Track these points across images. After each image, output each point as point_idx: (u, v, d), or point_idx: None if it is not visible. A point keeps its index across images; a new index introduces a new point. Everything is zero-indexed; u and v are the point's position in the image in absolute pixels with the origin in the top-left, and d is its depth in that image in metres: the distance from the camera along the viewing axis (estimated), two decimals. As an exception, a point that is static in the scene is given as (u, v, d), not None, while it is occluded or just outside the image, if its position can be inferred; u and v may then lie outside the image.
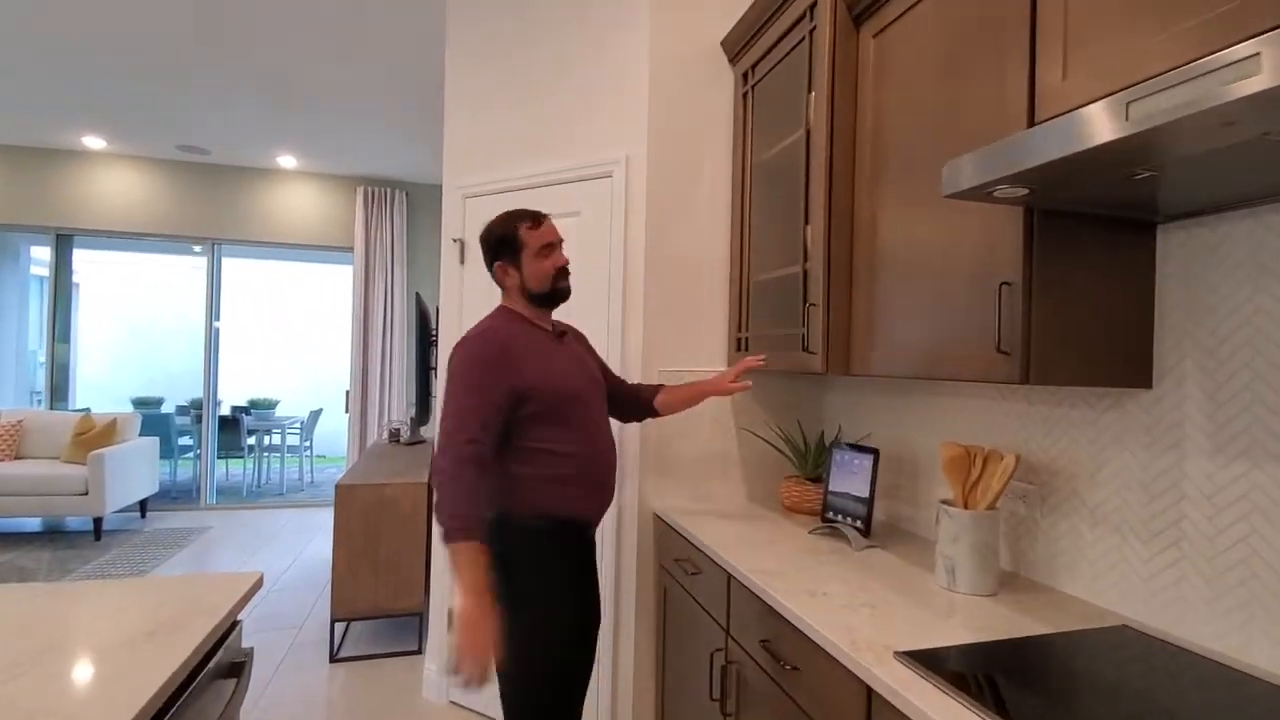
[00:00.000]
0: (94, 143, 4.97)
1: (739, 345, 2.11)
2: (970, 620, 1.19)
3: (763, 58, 1.97)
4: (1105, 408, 1.28)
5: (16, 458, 4.71)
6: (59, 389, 5.59)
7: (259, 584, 1.32)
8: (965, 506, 1.37)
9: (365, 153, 5.07)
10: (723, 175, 2.19)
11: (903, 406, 1.88)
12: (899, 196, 1.45)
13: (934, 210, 1.33)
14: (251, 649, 1.20)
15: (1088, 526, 1.31)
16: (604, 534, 2.14)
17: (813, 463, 2.03)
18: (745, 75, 2.09)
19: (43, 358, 8.13)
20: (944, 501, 1.39)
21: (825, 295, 1.61)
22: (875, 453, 1.69)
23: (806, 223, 1.70)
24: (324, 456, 8.39)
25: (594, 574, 1.57)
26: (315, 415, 7.22)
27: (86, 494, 4.37)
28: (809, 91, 1.69)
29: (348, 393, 5.60)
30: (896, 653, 1.04)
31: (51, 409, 5.45)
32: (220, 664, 1.13)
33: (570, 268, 1.61)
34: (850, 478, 1.75)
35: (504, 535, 1.43)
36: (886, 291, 1.48)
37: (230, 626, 1.20)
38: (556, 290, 1.58)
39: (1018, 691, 0.92)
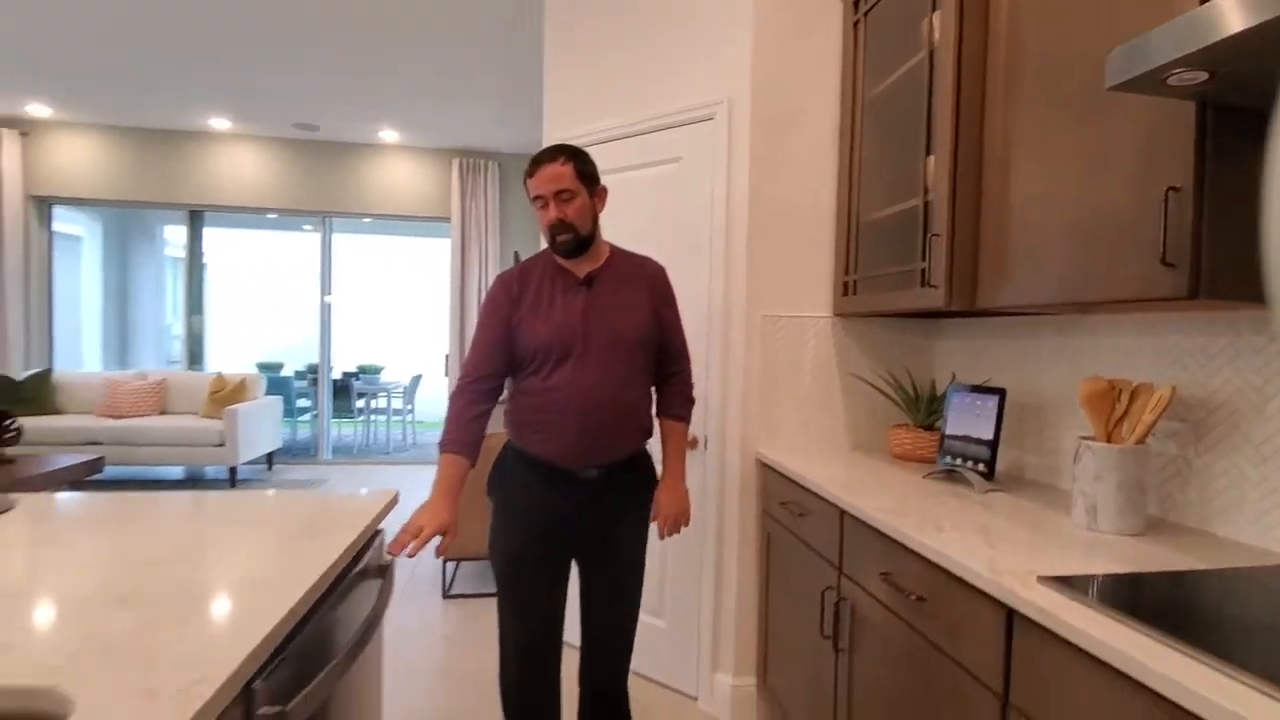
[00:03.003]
0: (220, 123, 5.37)
1: (846, 289, 2.04)
2: (1116, 555, 1.11)
3: (877, -18, 1.87)
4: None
5: (162, 413, 5.25)
6: (195, 356, 6.15)
7: (394, 500, 1.42)
8: (1108, 443, 1.28)
9: (459, 126, 5.22)
10: (829, 114, 2.10)
11: (1028, 350, 1.76)
12: (1038, 108, 1.34)
13: (1081, 117, 1.23)
14: (393, 558, 1.29)
15: (1252, 465, 1.19)
16: (704, 483, 2.15)
17: (925, 410, 1.95)
18: (856, 2, 1.99)
19: (175, 330, 8.99)
20: (1085, 437, 1.30)
21: (949, 224, 1.53)
22: (1001, 392, 1.60)
23: (928, 153, 1.61)
24: (424, 422, 8.86)
25: (560, 512, 1.52)
26: (416, 380, 7.62)
27: (222, 445, 4.82)
28: (932, 9, 1.59)
29: (447, 356, 5.86)
30: (1040, 577, 0.99)
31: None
32: (369, 565, 1.23)
33: (569, 220, 1.46)
34: (971, 420, 1.67)
35: (501, 451, 1.61)
36: (1022, 215, 1.39)
37: (374, 534, 1.30)
38: (554, 243, 1.50)
39: (1179, 620, 0.86)
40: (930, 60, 1.60)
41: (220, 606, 0.81)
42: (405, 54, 3.92)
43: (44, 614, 0.77)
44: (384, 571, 1.24)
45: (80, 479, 3.54)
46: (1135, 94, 1.04)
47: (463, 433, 1.48)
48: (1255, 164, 1.02)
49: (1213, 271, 1.01)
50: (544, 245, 1.60)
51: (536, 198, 1.50)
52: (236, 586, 0.88)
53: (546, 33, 2.61)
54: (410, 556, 1.32)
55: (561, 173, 1.47)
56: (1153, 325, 1.41)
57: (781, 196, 2.08)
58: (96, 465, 3.68)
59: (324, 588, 0.98)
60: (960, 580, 1.10)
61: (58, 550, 1.01)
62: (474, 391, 1.51)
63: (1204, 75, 0.90)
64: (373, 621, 1.06)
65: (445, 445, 1.47)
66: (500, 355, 1.52)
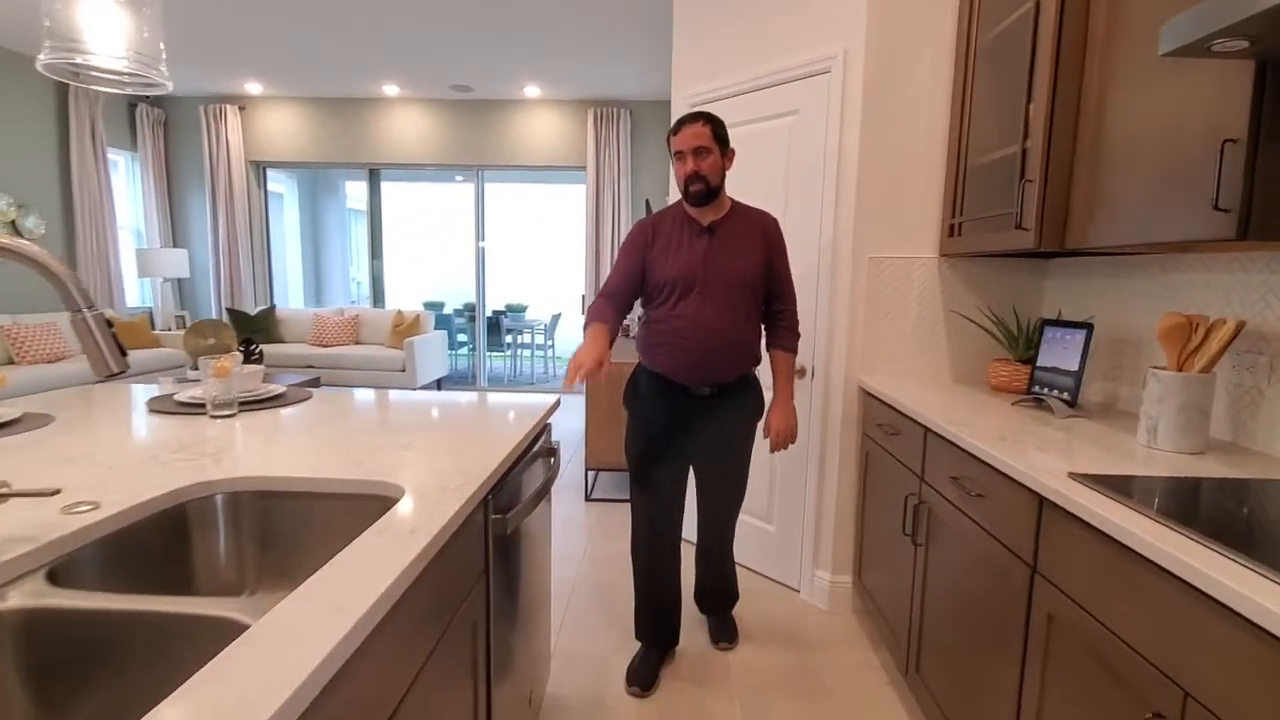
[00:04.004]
0: (390, 89, 6.09)
1: (952, 231, 2.18)
2: (1159, 464, 1.29)
3: (994, -71, 1.92)
4: (1356, 270, 1.23)
5: (356, 343, 6.26)
6: (377, 295, 7.15)
7: (557, 404, 1.85)
8: (1179, 372, 1.41)
9: (595, 77, 5.54)
10: (944, 61, 2.19)
11: (1127, 288, 1.84)
12: (1131, 64, 1.43)
13: (1165, 74, 1.32)
14: (558, 441, 1.73)
15: (1320, 392, 1.29)
16: (810, 408, 2.43)
17: (1024, 344, 2.08)
18: (974, -50, 2.04)
19: (353, 272, 10.33)
20: (1156, 367, 1.44)
21: (1043, 170, 1.65)
22: (1089, 327, 1.73)
23: (1029, 101, 1.72)
24: (563, 358, 9.64)
25: (680, 421, 1.90)
26: (556, 318, 8.32)
27: (404, 370, 5.71)
28: (1040, -39, 1.67)
29: (583, 296, 6.39)
30: (1071, 473, 1.21)
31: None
32: (542, 447, 1.67)
33: (704, 173, 1.77)
34: (1061, 353, 1.81)
35: (633, 371, 2.02)
36: (1109, 163, 1.50)
37: (545, 426, 1.74)
38: (687, 194, 1.83)
39: (1192, 512, 1.05)
40: (1036, 10, 1.69)
41: (467, 450, 1.25)
42: (550, 15, 4.27)
43: (368, 447, 1.25)
44: (552, 452, 1.68)
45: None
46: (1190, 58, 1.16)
47: (603, 314, 1.83)
48: (1315, 115, 1.11)
49: (1262, 215, 1.13)
50: (670, 198, 1.93)
51: (677, 153, 1.82)
52: (472, 442, 1.33)
53: (676, -5, 2.84)
54: (584, 380, 1.67)
55: (701, 132, 1.78)
56: (1242, 263, 1.48)
57: (890, 145, 2.23)
58: (315, 383, 4.59)
59: (520, 450, 1.41)
60: (1008, 477, 1.33)
61: (354, 418, 1.53)
62: (610, 300, 1.87)
63: (1244, 44, 1.02)
64: (548, 482, 1.49)
65: (589, 320, 1.83)
66: (632, 281, 1.89)
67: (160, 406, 1.56)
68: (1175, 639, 0.89)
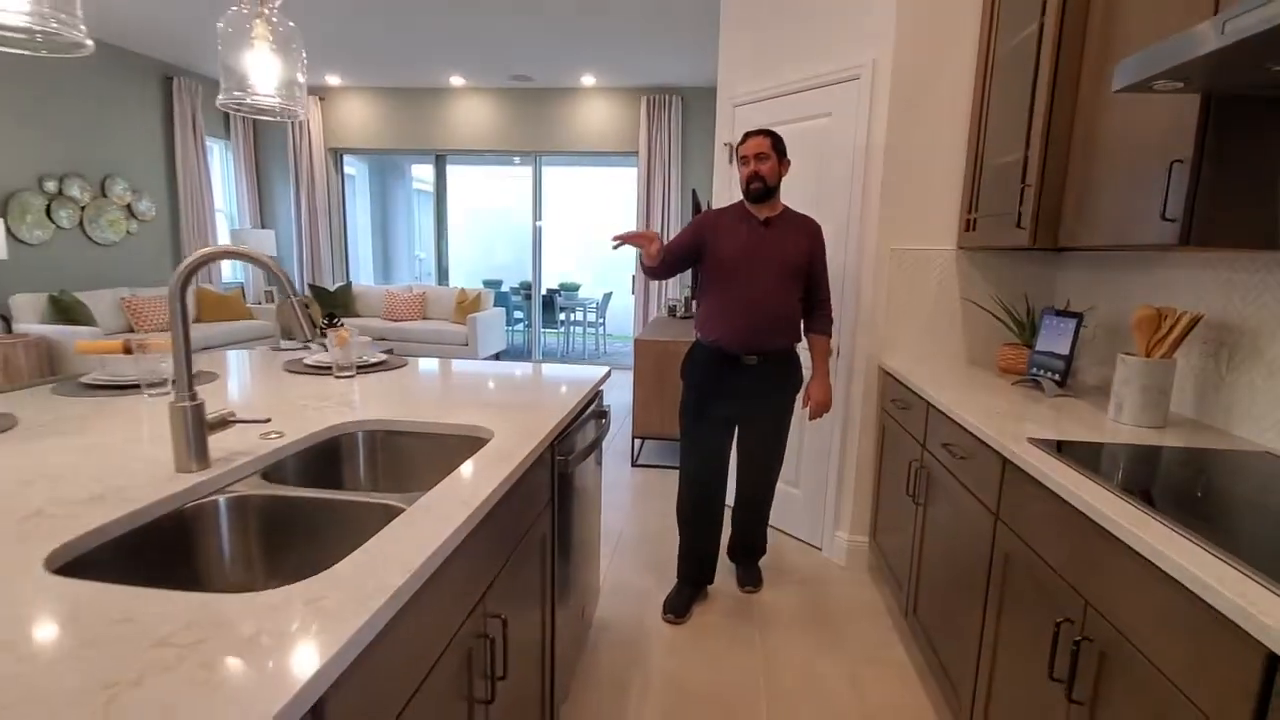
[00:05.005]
0: (456, 80, 6.47)
1: (968, 226, 2.38)
2: (1118, 435, 1.52)
3: (1013, -51, 2.10)
4: (1296, 271, 1.42)
5: (423, 318, 6.75)
6: (441, 273, 7.63)
7: (608, 374, 2.17)
8: (1146, 358, 1.62)
9: (648, 65, 5.78)
10: (965, 69, 2.38)
11: (1125, 281, 2.03)
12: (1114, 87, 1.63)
13: (1137, 100, 1.52)
14: (609, 406, 2.05)
15: (1262, 378, 1.49)
16: (835, 385, 2.69)
17: (1031, 330, 2.29)
18: (995, -33, 2.22)
19: (417, 251, 10.89)
20: (1125, 353, 1.65)
21: (1039, 176, 1.86)
22: (1079, 316, 1.94)
23: (1031, 113, 1.92)
24: (613, 335, 10.01)
25: (728, 386, 2.22)
26: (607, 297, 8.66)
27: (466, 345, 6.16)
28: (1046, -14, 1.85)
29: (633, 277, 6.70)
30: (1031, 438, 1.46)
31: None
32: (595, 410, 2.00)
33: (763, 174, 2.12)
34: (1055, 339, 2.02)
35: (690, 346, 2.33)
36: (1094, 173, 1.70)
37: (596, 394, 2.06)
38: (747, 191, 2.17)
39: (1114, 469, 1.29)
40: (1040, 31, 1.88)
41: (536, 407, 1.59)
42: (609, 8, 4.53)
43: (457, 402, 1.59)
44: (602, 414, 2.00)
45: (382, 363, 4.92)
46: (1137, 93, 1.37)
47: (651, 263, 2.13)
48: (1245, 140, 1.31)
49: (1201, 225, 1.35)
50: (716, 185, 2.21)
51: (743, 158, 2.17)
52: (539, 401, 1.66)
53: (723, 4, 3.06)
54: (628, 243, 2.02)
55: (762, 143, 2.14)
56: (1211, 262, 1.67)
57: (914, 146, 2.44)
58: (389, 354, 5.06)
59: (578, 409, 1.74)
60: (983, 442, 1.58)
61: (443, 380, 1.89)
62: (661, 261, 2.16)
63: (1179, 84, 1.24)
64: (598, 438, 1.82)
65: (645, 263, 2.14)
66: (686, 251, 2.22)
67: (293, 368, 1.95)
68: (1081, 563, 1.15)
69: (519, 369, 2.12)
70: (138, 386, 1.64)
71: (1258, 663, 0.77)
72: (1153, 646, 0.95)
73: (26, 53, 1.17)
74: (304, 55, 1.68)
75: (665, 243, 2.22)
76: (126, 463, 1.11)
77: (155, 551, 0.96)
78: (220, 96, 1.60)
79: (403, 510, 1.01)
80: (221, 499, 1.05)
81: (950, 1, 2.35)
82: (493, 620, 1.13)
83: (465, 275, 10.83)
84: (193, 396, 1.07)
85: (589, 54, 5.54)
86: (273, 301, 6.74)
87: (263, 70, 1.59)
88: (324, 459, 1.34)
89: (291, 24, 1.64)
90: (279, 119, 1.73)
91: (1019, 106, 2.01)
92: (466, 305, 6.40)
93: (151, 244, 6.04)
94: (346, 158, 7.56)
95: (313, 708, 0.61)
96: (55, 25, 1.08)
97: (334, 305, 6.52)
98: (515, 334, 8.98)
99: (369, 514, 1.07)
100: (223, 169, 6.96)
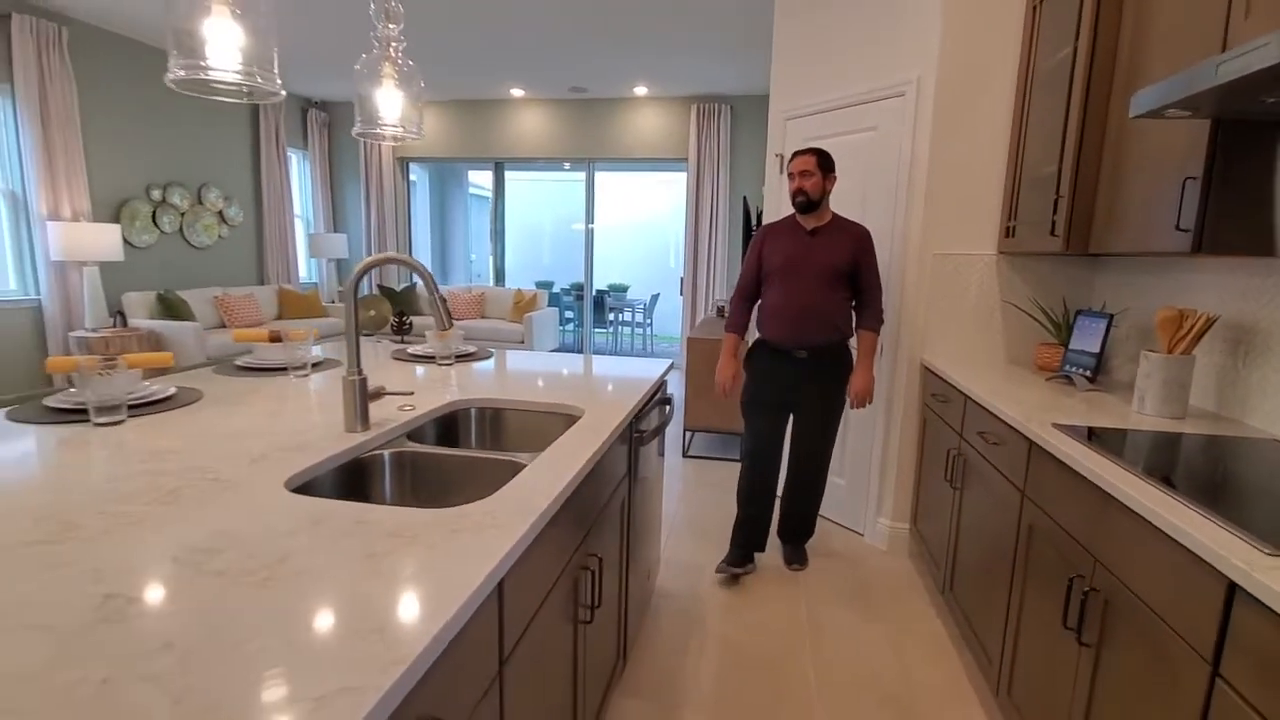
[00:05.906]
0: (516, 92, 6.82)
1: (1008, 232, 2.55)
2: (1138, 424, 1.69)
3: (1051, -24, 2.26)
4: (1305, 276, 1.57)
5: (482, 317, 7.12)
6: (498, 275, 8.01)
7: (672, 365, 2.42)
8: (1168, 354, 1.78)
9: (699, 75, 6.01)
10: (1007, 85, 2.54)
11: (1156, 284, 2.17)
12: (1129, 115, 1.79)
13: (1158, 121, 1.69)
14: (672, 394, 2.30)
15: (1276, 373, 1.64)
16: (879, 380, 2.87)
17: (1067, 331, 2.44)
18: (1035, -8, 2.38)
19: (472, 254, 11.33)
20: (1148, 350, 1.82)
21: (1071, 189, 2.03)
22: (1109, 316, 2.09)
23: (1065, 129, 2.08)
24: (660, 336, 10.27)
25: (781, 377, 2.50)
26: (654, 299, 8.92)
27: (523, 343, 6.50)
28: (1080, 7, 2.02)
29: (681, 279, 6.94)
30: (1055, 424, 1.64)
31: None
32: (661, 397, 2.25)
33: (806, 189, 2.37)
34: (1088, 338, 2.18)
35: (752, 344, 2.62)
36: (1121, 186, 1.87)
37: (663, 382, 2.31)
38: (794, 204, 2.43)
39: (1123, 449, 1.47)
40: (1074, 54, 2.05)
41: (614, 391, 1.84)
42: (663, 21, 4.78)
43: (547, 385, 1.86)
44: (667, 401, 2.25)
45: (449, 358, 5.29)
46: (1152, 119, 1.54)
47: (737, 322, 2.58)
48: (1254, 163, 1.47)
49: (1211, 236, 1.51)
50: (766, 191, 2.45)
51: (790, 174, 2.43)
52: (616, 386, 1.92)
53: (776, 20, 3.28)
54: (726, 396, 2.44)
55: (808, 161, 2.38)
56: (1230, 267, 1.82)
57: (956, 158, 2.61)
58: (455, 350, 5.42)
59: (650, 394, 1.99)
60: (1012, 427, 1.77)
61: (527, 367, 2.16)
62: (742, 298, 2.58)
63: (1188, 112, 1.41)
64: (664, 422, 2.07)
65: (727, 329, 2.61)
66: (754, 274, 2.55)
67: (400, 356, 2.26)
68: (1094, 526, 1.34)
69: (592, 360, 2.38)
70: (283, 369, 1.97)
71: (1221, 590, 0.96)
72: (1144, 588, 1.14)
73: (236, 101, 1.47)
74: (422, 84, 1.98)
75: (734, 280, 2.52)
76: (308, 425, 1.41)
77: (344, 489, 1.25)
78: (355, 127, 1.91)
79: (524, 466, 1.28)
80: (386, 453, 1.34)
81: (992, 23, 2.52)
82: (591, 558, 1.38)
83: (517, 277, 11.24)
84: (359, 373, 1.36)
85: (642, 65, 5.80)
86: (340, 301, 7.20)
87: (390, 104, 1.90)
88: (449, 427, 1.63)
89: (411, 63, 1.94)
90: (399, 143, 2.02)
91: (1055, 123, 2.18)
92: (523, 305, 6.74)
93: (239, 247, 6.57)
94: (410, 165, 8.01)
95: (499, 584, 0.87)
96: (260, 79, 1.38)
97: (401, 305, 6.94)
98: (566, 333, 9.32)
99: (497, 468, 1.34)
100: (299, 177, 7.48)
